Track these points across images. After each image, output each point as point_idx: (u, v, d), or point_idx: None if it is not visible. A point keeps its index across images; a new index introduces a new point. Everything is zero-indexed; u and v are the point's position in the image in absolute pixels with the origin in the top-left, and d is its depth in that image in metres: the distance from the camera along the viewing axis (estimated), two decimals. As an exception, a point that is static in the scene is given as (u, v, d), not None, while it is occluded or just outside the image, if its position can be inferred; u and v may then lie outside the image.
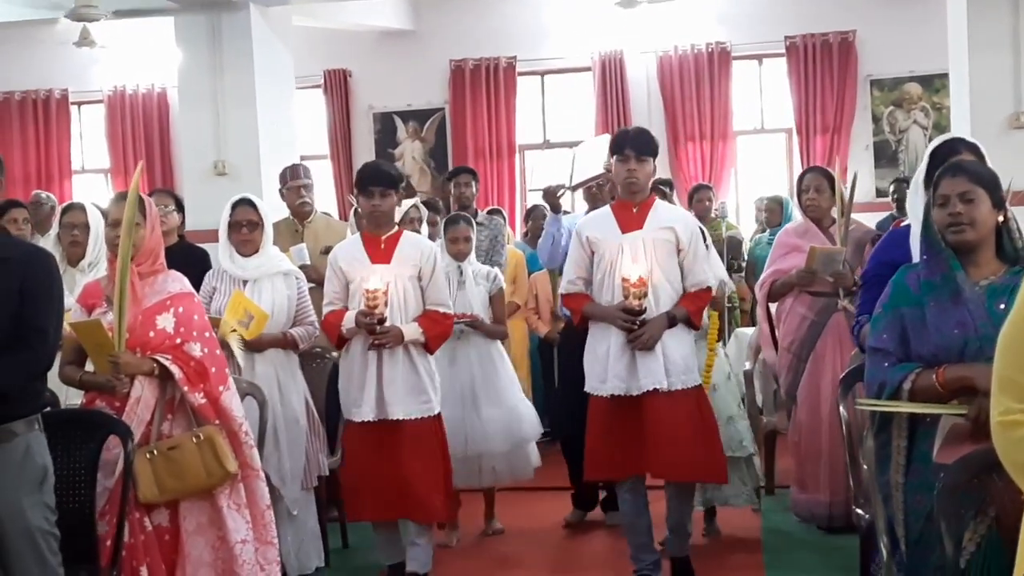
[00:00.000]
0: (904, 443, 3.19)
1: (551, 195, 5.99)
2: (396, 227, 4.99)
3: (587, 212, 5.64)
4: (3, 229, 3.65)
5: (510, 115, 11.93)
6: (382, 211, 4.92)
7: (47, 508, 3.45)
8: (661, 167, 12.12)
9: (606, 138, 5.79)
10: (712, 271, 5.01)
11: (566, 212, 6.48)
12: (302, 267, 5.67)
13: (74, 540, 3.62)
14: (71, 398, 4.43)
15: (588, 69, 11.77)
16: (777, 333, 5.74)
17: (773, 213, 8.37)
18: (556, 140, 12.05)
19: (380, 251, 4.90)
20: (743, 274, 8.30)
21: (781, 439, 6.35)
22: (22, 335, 3.38)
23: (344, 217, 9.56)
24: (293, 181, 6.46)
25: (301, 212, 6.45)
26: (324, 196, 10.91)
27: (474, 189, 7.26)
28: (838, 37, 11.30)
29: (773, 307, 5.80)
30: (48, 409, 3.70)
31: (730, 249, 8.26)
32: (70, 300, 4.06)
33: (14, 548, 3.35)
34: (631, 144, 4.78)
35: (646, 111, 11.63)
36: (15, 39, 12.15)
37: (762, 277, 5.77)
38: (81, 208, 5.19)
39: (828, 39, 11.31)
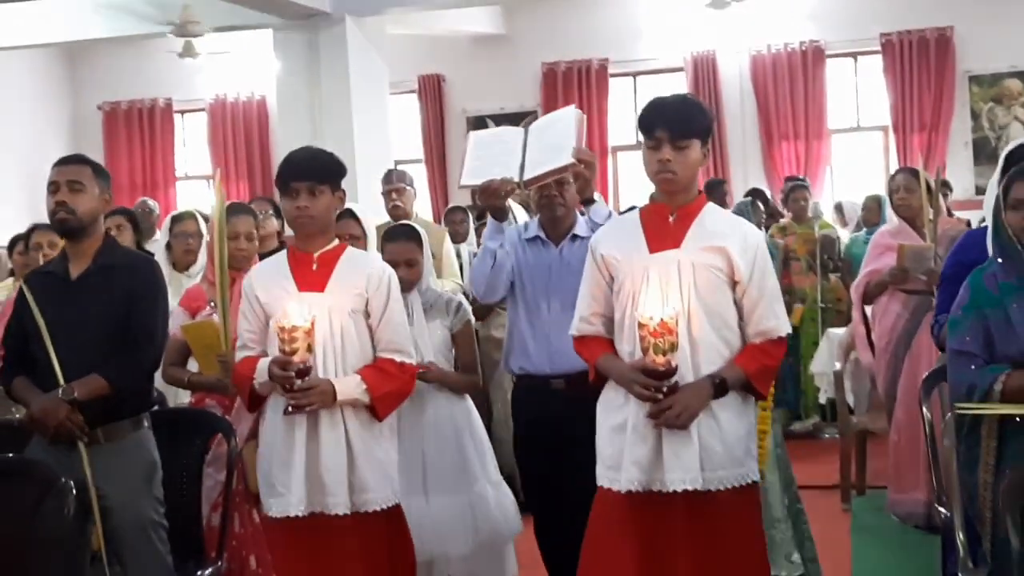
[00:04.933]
0: (994, 443, 3.19)
1: (492, 194, 3.93)
2: (336, 240, 3.59)
3: (539, 221, 4.15)
4: (109, 235, 3.84)
5: (602, 116, 11.97)
6: (311, 216, 3.45)
7: (156, 501, 3.64)
8: (754, 167, 12.35)
9: (573, 112, 3.99)
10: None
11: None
12: None
13: (181, 533, 3.78)
14: (180, 397, 4.60)
15: (680, 69, 11.77)
16: (873, 335, 5.73)
17: (871, 212, 8.26)
18: (649, 141, 12.05)
19: (311, 273, 3.49)
20: (839, 274, 8.24)
21: (872, 439, 6.32)
22: (131, 337, 3.57)
23: (438, 220, 9.70)
24: (385, 185, 6.61)
25: (393, 216, 6.57)
26: (419, 200, 11.05)
27: (566, 192, 7.26)
28: (935, 33, 11.12)
29: (868, 310, 5.79)
30: (156, 408, 3.87)
31: (824, 248, 8.19)
32: (172, 303, 4.24)
33: (127, 538, 3.55)
34: (665, 122, 3.20)
35: (739, 110, 11.63)
36: (123, 52, 12.58)
37: (857, 279, 5.81)
38: (193, 217, 5.42)
39: (925, 35, 11.14)
